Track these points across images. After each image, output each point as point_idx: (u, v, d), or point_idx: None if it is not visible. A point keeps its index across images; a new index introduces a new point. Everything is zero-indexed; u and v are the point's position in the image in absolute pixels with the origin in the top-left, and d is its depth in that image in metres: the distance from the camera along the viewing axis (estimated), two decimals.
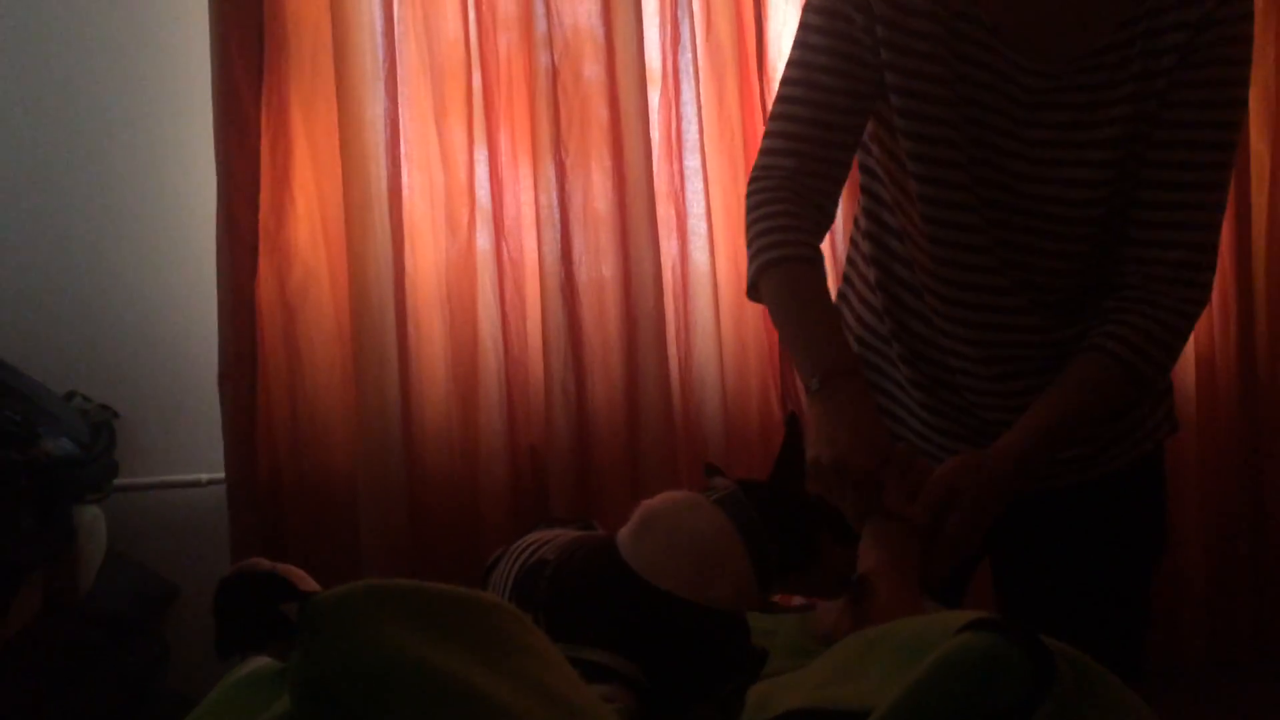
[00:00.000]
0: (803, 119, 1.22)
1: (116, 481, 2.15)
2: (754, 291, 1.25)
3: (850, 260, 1.39)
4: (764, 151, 1.26)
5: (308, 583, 1.00)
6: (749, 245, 1.23)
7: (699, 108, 2.20)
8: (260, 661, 1.06)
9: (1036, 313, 1.23)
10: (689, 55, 2.19)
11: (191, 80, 2.16)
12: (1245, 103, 1.18)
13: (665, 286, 2.20)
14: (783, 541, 0.97)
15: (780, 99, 1.24)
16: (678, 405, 2.23)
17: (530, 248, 2.19)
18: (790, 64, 1.24)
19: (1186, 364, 2.33)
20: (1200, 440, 2.35)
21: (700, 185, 2.22)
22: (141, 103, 2.26)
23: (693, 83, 2.20)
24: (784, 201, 1.21)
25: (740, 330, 2.24)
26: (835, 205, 1.25)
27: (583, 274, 2.19)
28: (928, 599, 1.10)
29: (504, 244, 2.19)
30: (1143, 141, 1.16)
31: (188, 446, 2.26)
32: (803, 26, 1.23)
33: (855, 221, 1.37)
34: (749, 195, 1.25)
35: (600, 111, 2.16)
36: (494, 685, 0.72)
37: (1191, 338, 2.30)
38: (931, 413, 1.31)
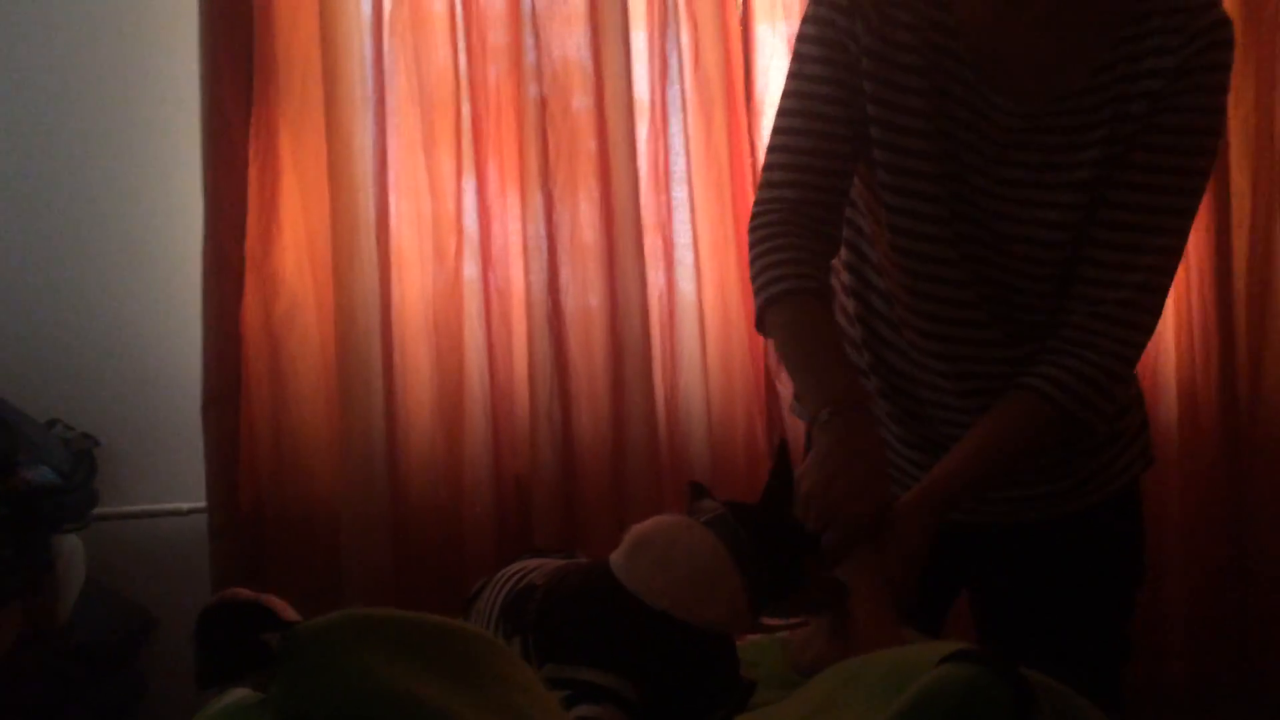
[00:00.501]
0: (804, 149, 1.21)
1: (96, 510, 2.13)
2: (761, 325, 1.24)
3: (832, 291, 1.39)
4: (765, 184, 1.24)
5: (289, 613, 0.99)
6: (754, 279, 1.22)
7: (686, 140, 2.21)
8: (239, 693, 1.05)
9: (1013, 345, 1.23)
10: (677, 88, 2.21)
11: (180, 107, 2.17)
12: (1213, 152, 1.18)
13: (652, 317, 2.21)
14: (771, 564, 0.97)
15: (778, 130, 1.23)
16: (663, 435, 2.22)
17: (517, 277, 2.19)
18: (786, 94, 1.23)
19: (1169, 398, 2.35)
20: (1182, 473, 2.35)
21: (687, 216, 2.22)
22: (128, 129, 2.26)
23: (680, 115, 2.21)
24: (788, 235, 1.20)
25: (727, 361, 2.24)
26: (840, 231, 1.24)
27: (569, 304, 2.19)
28: (909, 628, 1.10)
29: (491, 273, 2.20)
30: (1107, 182, 1.17)
31: (169, 475, 2.24)
32: (797, 57, 1.23)
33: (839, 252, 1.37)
34: (752, 229, 1.24)
35: (588, 142, 2.17)
36: (475, 716, 0.71)
37: (1173, 372, 2.35)
38: (909, 446, 1.31)
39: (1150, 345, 2.33)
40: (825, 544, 1.07)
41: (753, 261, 1.22)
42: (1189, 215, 1.18)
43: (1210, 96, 1.15)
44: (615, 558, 0.99)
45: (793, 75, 1.23)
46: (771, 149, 1.25)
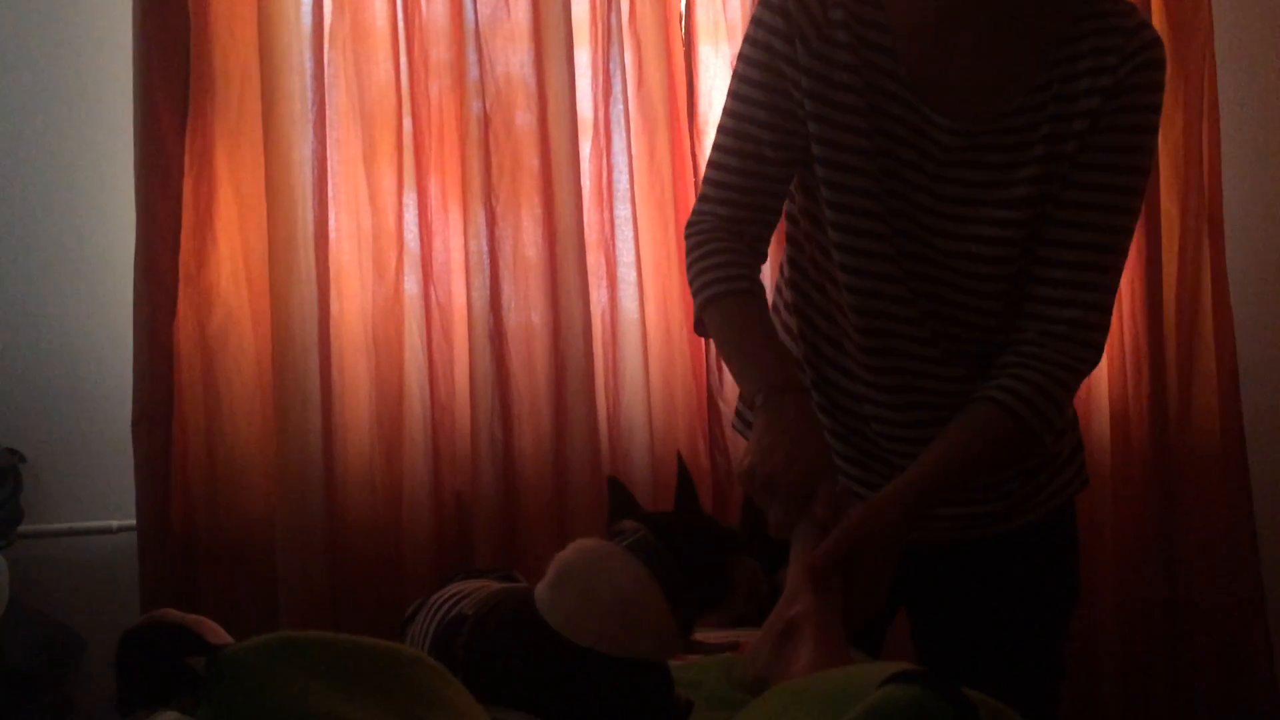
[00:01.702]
0: (735, 169, 1.25)
1: (21, 528, 2.08)
2: (700, 326, 1.29)
3: (774, 308, 1.40)
4: (701, 199, 1.30)
5: (219, 635, 0.97)
6: (692, 283, 1.27)
7: (629, 158, 2.22)
8: (167, 716, 1.02)
9: (954, 362, 1.25)
10: (620, 106, 2.22)
11: (113, 119, 2.13)
12: (1148, 170, 1.22)
13: (594, 334, 2.20)
14: (697, 578, 0.96)
15: (716, 146, 1.28)
16: (605, 452, 2.22)
17: (459, 293, 2.18)
18: (725, 113, 1.27)
19: (1101, 420, 2.39)
20: (1115, 492, 2.40)
21: (630, 234, 2.23)
22: (60, 138, 2.21)
23: (624, 133, 2.22)
24: (721, 241, 1.26)
25: (669, 378, 2.25)
26: (768, 244, 1.30)
27: (511, 320, 2.18)
28: (854, 648, 1.10)
29: (432, 289, 2.18)
30: (1050, 201, 1.19)
31: (98, 492, 2.19)
32: (735, 77, 1.26)
33: (780, 269, 1.38)
34: (688, 237, 1.29)
35: (531, 159, 2.17)
36: None
37: (1105, 394, 2.39)
38: (848, 461, 1.33)
39: None
40: (773, 520, 1.08)
41: (689, 266, 1.28)
42: (1130, 231, 1.22)
43: (1146, 115, 1.19)
44: (540, 591, 0.98)
45: (731, 94, 1.26)
46: (710, 164, 1.29)
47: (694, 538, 0.99)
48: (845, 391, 1.31)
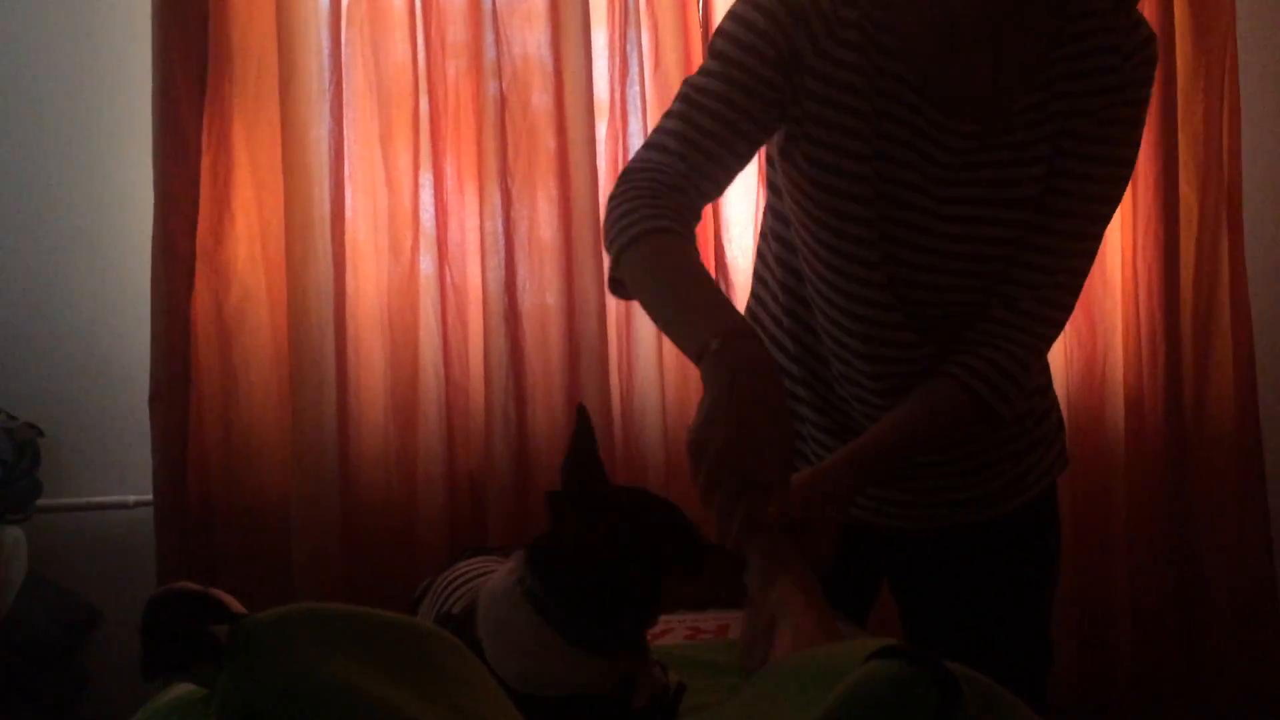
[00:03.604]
0: (707, 130, 1.13)
1: (40, 502, 2.10)
2: (617, 285, 1.12)
3: (755, 296, 1.38)
4: (655, 147, 1.14)
5: (235, 607, 0.98)
6: (612, 227, 1.09)
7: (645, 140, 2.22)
8: (183, 688, 1.04)
9: (942, 358, 1.23)
10: (636, 88, 2.21)
11: (131, 97, 2.14)
12: (1132, 162, 1.22)
13: (608, 315, 2.21)
14: (592, 625, 0.91)
15: (691, 102, 1.15)
16: (619, 434, 2.23)
17: (474, 273, 2.19)
18: (709, 73, 1.16)
19: (1116, 408, 2.38)
20: (1128, 483, 2.39)
21: None
22: (78, 118, 2.22)
23: (640, 115, 2.21)
24: (662, 194, 1.10)
25: (682, 360, 2.25)
26: (699, 217, 1.15)
27: (526, 301, 2.18)
28: (843, 621, 1.11)
29: (447, 269, 2.19)
30: (1046, 191, 1.19)
31: (115, 467, 2.21)
32: (728, 39, 1.16)
33: (759, 255, 1.36)
34: (627, 180, 1.13)
35: (547, 140, 2.17)
36: (426, 714, 0.71)
37: (1120, 382, 2.39)
38: (821, 429, 1.32)
39: (1098, 351, 2.40)
40: (730, 523, 0.97)
41: (614, 209, 1.10)
42: (1109, 219, 1.23)
43: (1139, 109, 1.20)
44: (479, 621, 0.95)
45: (720, 56, 1.15)
46: (677, 114, 1.14)
47: (581, 576, 0.91)
48: (829, 380, 1.29)
